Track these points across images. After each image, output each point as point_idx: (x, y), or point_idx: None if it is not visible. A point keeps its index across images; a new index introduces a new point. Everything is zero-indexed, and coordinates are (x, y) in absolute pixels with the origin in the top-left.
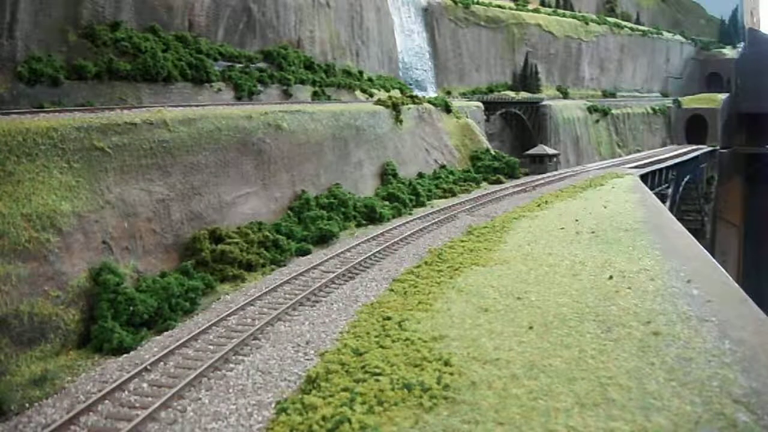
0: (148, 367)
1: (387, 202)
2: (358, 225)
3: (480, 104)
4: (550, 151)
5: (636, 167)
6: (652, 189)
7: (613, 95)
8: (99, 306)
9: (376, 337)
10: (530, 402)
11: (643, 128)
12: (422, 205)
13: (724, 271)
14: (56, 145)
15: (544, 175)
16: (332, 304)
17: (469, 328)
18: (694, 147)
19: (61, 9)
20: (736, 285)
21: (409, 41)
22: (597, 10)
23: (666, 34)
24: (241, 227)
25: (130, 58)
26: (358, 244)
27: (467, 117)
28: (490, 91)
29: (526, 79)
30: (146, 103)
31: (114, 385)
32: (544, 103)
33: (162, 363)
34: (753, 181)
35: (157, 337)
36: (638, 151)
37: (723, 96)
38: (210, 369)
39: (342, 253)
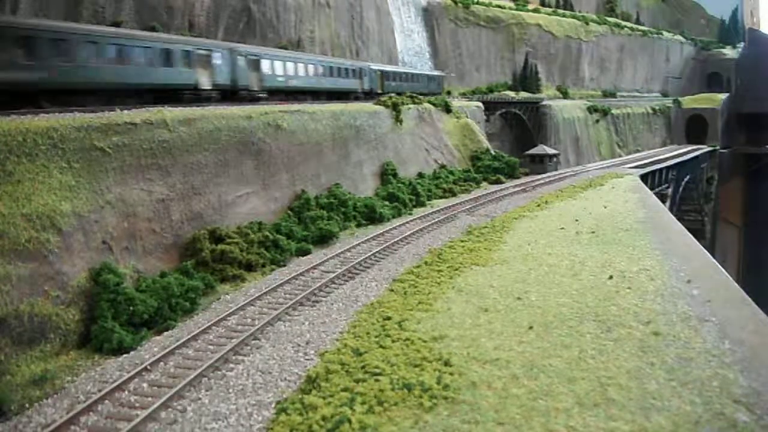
0: (148, 367)
1: (387, 202)
2: (358, 225)
3: (480, 104)
4: (550, 151)
5: (636, 167)
6: (652, 189)
7: (613, 95)
8: (99, 306)
9: (376, 337)
10: (530, 402)
11: (643, 128)
12: (422, 205)
13: (724, 271)
14: (56, 145)
15: (544, 175)
16: (332, 304)
17: (469, 328)
18: (694, 147)
19: (61, 9)
20: (736, 285)
21: (409, 41)
22: (597, 10)
23: (666, 34)
24: (241, 227)
25: None
26: (358, 244)
27: (467, 117)
28: (490, 91)
29: (526, 79)
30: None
31: (114, 385)
32: (544, 103)
33: (162, 363)
34: (753, 181)
35: (157, 337)
36: (638, 151)
37: (723, 96)
38: (210, 369)
39: (342, 253)
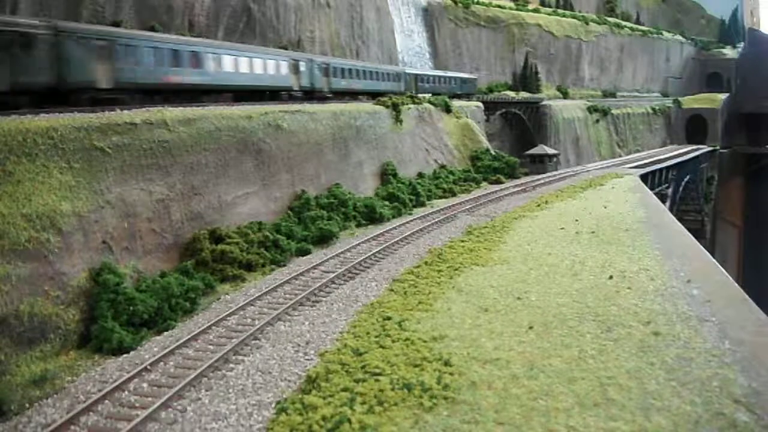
0: (148, 367)
1: (387, 202)
2: (358, 225)
3: (480, 104)
4: (550, 151)
5: (636, 167)
6: (652, 189)
7: (613, 95)
8: (99, 306)
9: (376, 337)
10: (530, 402)
11: (643, 128)
12: (422, 205)
13: (724, 271)
14: (56, 145)
15: (544, 175)
16: (332, 304)
17: (469, 328)
18: (695, 147)
19: (61, 9)
20: (736, 285)
21: (409, 41)
22: (597, 10)
23: (666, 34)
24: (241, 227)
25: None
26: (358, 244)
27: (467, 117)
28: (490, 91)
29: (526, 79)
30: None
31: (114, 385)
32: (544, 103)
33: (162, 363)
34: (753, 181)
35: (157, 337)
36: (638, 151)
37: (723, 96)
38: (210, 369)
39: (342, 253)
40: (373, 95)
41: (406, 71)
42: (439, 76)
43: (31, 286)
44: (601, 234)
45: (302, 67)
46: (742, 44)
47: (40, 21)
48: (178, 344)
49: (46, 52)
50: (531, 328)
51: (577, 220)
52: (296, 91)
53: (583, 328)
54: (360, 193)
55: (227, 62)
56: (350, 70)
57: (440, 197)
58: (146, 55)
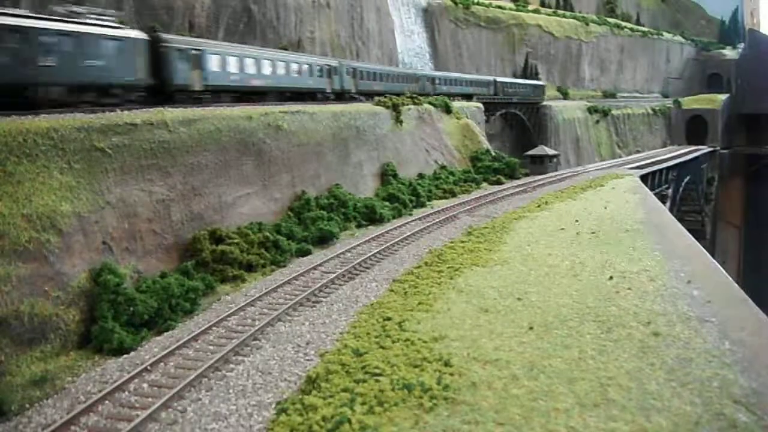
0: (149, 368)
1: (387, 203)
2: (359, 225)
3: (480, 105)
4: (551, 151)
5: (636, 168)
6: (652, 189)
7: (613, 96)
8: (99, 306)
9: (376, 337)
10: (530, 402)
11: (644, 129)
12: (422, 205)
13: (724, 271)
14: (56, 145)
15: (545, 176)
16: (332, 304)
17: (470, 329)
18: (695, 147)
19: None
20: (736, 285)
21: (409, 42)
22: (597, 11)
23: (666, 35)
24: (242, 228)
25: None
26: (359, 245)
27: (467, 117)
28: None
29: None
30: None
31: (114, 385)
32: (544, 103)
33: (162, 363)
34: (753, 182)
35: (158, 338)
36: (638, 151)
37: (723, 96)
38: (210, 369)
39: (342, 253)
40: (467, 97)
41: (497, 80)
42: (519, 83)
43: (32, 287)
44: (602, 235)
45: (418, 79)
46: (742, 45)
47: (331, 59)
48: (179, 345)
49: (336, 76)
50: (531, 328)
51: (577, 221)
52: (414, 95)
53: (583, 328)
54: (360, 194)
55: (394, 77)
56: (448, 79)
57: (440, 198)
58: (358, 74)
